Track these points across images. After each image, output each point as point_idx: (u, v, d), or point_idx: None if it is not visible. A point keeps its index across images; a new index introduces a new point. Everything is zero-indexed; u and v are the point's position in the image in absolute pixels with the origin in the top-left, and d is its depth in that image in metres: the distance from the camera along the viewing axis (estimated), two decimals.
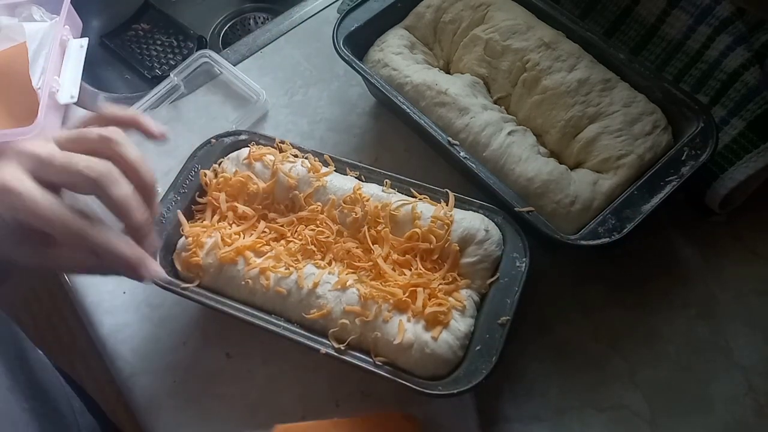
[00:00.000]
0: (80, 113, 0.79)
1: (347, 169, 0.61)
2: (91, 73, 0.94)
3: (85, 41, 0.80)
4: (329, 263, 0.56)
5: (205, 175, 0.61)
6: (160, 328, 0.63)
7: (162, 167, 0.73)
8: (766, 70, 0.62)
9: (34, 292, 1.60)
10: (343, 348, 0.51)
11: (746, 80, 0.61)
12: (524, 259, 0.54)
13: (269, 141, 0.63)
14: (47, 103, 0.73)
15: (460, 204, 0.57)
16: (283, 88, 0.77)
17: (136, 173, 0.43)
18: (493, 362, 0.49)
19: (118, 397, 0.62)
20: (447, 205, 0.57)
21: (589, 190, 0.57)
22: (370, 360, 0.51)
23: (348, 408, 0.57)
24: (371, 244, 0.56)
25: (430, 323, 0.51)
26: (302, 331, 0.53)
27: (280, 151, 0.62)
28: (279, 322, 0.54)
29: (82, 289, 0.66)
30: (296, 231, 0.58)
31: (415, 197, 0.58)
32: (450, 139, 0.61)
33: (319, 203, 0.59)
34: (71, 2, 0.81)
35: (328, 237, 0.57)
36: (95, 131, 0.42)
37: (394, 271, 0.55)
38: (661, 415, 0.55)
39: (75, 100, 0.75)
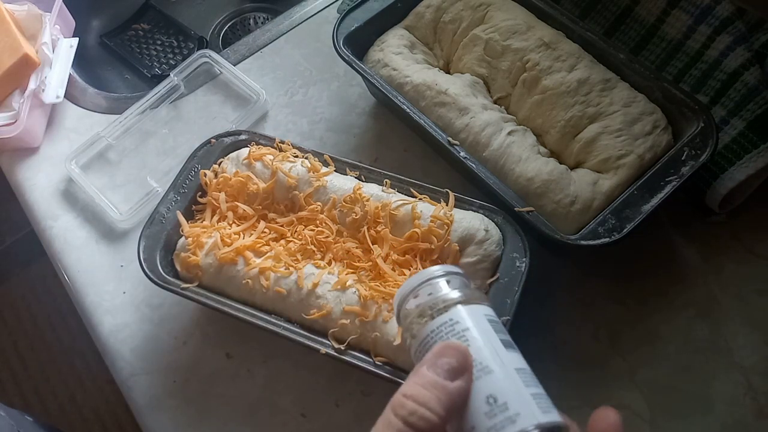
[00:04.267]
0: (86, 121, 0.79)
1: (347, 169, 0.61)
2: (91, 73, 0.94)
3: (75, 41, 0.79)
4: (329, 263, 0.56)
5: (205, 175, 0.61)
6: (160, 328, 0.63)
7: (162, 167, 0.73)
8: (767, 70, 0.62)
9: (34, 292, 1.60)
10: (343, 348, 0.52)
11: (746, 80, 0.61)
12: (524, 259, 0.54)
13: (269, 141, 0.63)
14: (32, 102, 0.72)
15: (460, 204, 0.57)
16: (283, 88, 0.77)
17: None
18: None
19: (118, 397, 0.62)
20: (447, 205, 0.57)
21: (589, 190, 0.57)
22: (370, 360, 0.51)
23: (348, 408, 0.57)
24: (371, 244, 0.56)
25: None
26: (302, 331, 0.53)
27: (280, 151, 0.62)
28: (279, 322, 0.54)
29: (82, 289, 0.66)
30: (296, 231, 0.58)
31: (415, 197, 0.58)
32: (450, 139, 0.61)
33: (319, 203, 0.59)
34: (69, 1, 0.81)
35: (327, 237, 0.57)
36: None
37: (394, 271, 0.55)
38: (661, 415, 0.55)
39: (60, 99, 0.75)
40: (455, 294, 0.34)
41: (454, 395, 0.30)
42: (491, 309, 0.35)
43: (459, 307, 0.34)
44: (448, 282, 0.36)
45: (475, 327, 0.33)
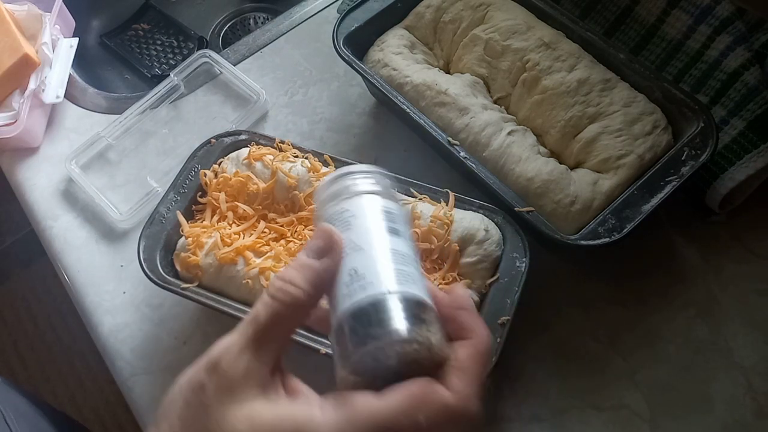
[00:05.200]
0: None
1: None
2: (91, 73, 0.94)
3: (75, 41, 0.79)
4: None
5: (205, 175, 0.61)
6: (160, 328, 0.63)
7: (162, 167, 0.73)
8: (767, 70, 0.62)
9: (34, 292, 1.60)
10: None
11: (746, 80, 0.61)
12: (524, 259, 0.54)
13: (269, 141, 0.63)
14: (32, 102, 0.72)
15: (460, 204, 0.57)
16: (283, 88, 0.77)
17: None
18: (493, 362, 0.49)
19: (118, 397, 0.62)
20: (447, 205, 0.56)
21: (589, 190, 0.57)
22: None
23: None
24: None
25: None
26: (302, 331, 0.53)
27: (280, 151, 0.62)
28: None
29: (82, 289, 0.66)
30: (296, 231, 0.58)
31: (415, 197, 0.58)
32: (450, 139, 0.61)
33: None
34: (69, 1, 0.81)
35: None
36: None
37: None
38: (661, 415, 0.55)
39: (60, 99, 0.75)
40: (357, 188, 0.36)
41: (319, 271, 0.33)
42: (395, 204, 0.36)
43: (355, 197, 0.36)
44: (364, 178, 0.37)
45: (363, 214, 0.35)
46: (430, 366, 0.31)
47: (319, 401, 0.31)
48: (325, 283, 0.33)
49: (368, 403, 0.29)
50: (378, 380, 0.30)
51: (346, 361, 0.31)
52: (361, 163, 0.62)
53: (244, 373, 0.30)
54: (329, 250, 0.33)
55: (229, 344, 0.32)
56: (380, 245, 0.33)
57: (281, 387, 0.32)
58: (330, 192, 0.37)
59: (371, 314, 0.31)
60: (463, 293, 0.35)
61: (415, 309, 0.32)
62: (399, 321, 0.31)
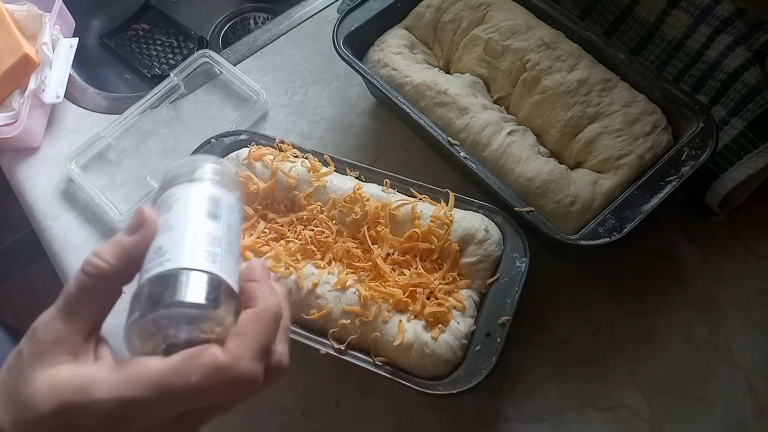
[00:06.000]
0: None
1: (347, 169, 0.61)
2: (91, 73, 0.94)
3: (75, 41, 0.79)
4: (329, 263, 0.56)
5: None
6: None
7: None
8: (767, 70, 0.62)
9: (34, 292, 1.60)
10: (343, 348, 0.52)
11: (746, 80, 0.61)
12: (524, 259, 0.54)
13: (269, 141, 0.63)
14: (32, 102, 0.72)
15: (460, 204, 0.57)
16: (283, 88, 0.77)
17: None
18: (493, 362, 0.49)
19: None
20: (447, 205, 0.56)
21: (589, 190, 0.57)
22: (370, 360, 0.51)
23: (348, 408, 0.57)
24: (371, 244, 0.56)
25: (430, 323, 0.51)
26: (302, 331, 0.53)
27: (280, 150, 0.62)
28: None
29: None
30: (296, 231, 0.58)
31: (415, 197, 0.58)
32: (450, 139, 0.61)
33: (318, 203, 0.59)
34: (69, 1, 0.81)
35: (327, 237, 0.57)
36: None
37: (394, 271, 0.55)
38: (660, 415, 0.55)
39: (60, 99, 0.75)
40: (188, 176, 0.38)
41: (126, 246, 0.35)
42: (227, 194, 0.39)
43: (185, 184, 0.38)
44: (200, 168, 0.39)
45: (186, 199, 0.37)
46: (217, 337, 0.33)
47: (110, 364, 0.34)
48: (133, 258, 0.35)
49: (147, 365, 0.32)
50: (164, 348, 0.33)
51: (135, 327, 0.33)
52: (360, 162, 0.62)
53: (55, 340, 0.33)
54: (139, 227, 0.35)
55: (45, 314, 0.35)
56: (192, 227, 0.35)
57: (92, 354, 0.34)
58: (167, 178, 0.39)
59: (163, 285, 0.33)
60: (256, 266, 0.37)
61: (208, 284, 0.34)
62: (187, 293, 0.33)
